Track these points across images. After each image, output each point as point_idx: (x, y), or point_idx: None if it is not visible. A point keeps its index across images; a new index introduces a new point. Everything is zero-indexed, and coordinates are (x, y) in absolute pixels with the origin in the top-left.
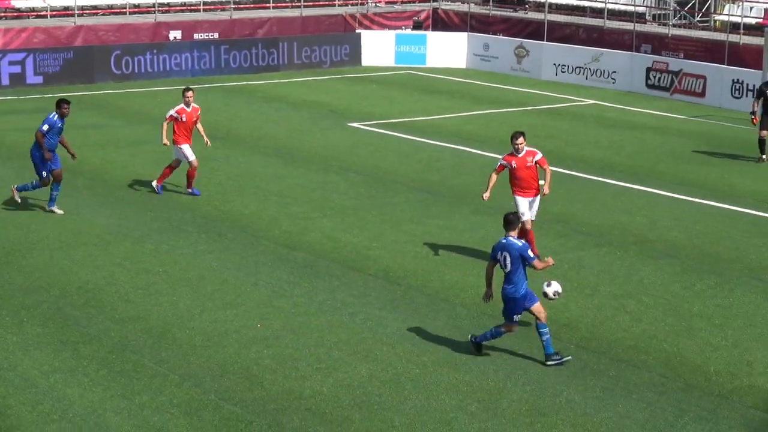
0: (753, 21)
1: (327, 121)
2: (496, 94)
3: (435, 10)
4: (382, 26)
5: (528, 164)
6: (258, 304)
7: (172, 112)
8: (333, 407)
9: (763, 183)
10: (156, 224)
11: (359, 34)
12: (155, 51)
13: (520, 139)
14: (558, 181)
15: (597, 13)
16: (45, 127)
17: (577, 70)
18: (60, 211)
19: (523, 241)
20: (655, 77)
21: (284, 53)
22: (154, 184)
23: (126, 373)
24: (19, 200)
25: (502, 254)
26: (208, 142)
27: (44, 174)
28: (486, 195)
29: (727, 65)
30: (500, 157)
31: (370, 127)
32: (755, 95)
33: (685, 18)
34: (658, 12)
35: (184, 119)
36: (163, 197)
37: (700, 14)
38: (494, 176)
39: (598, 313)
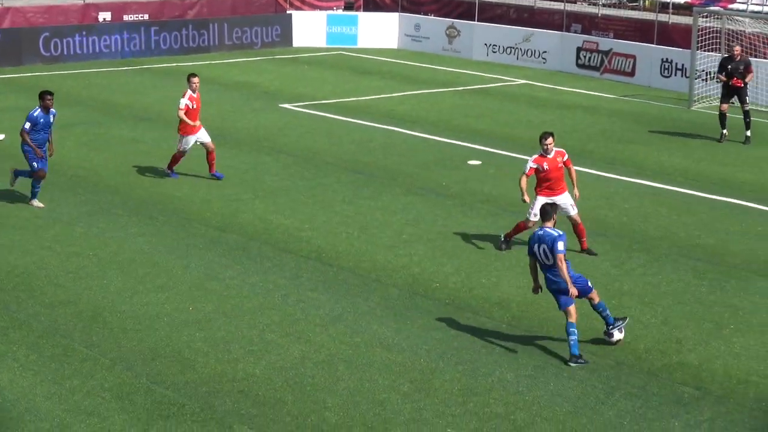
0: (681, 0)
1: (258, 102)
2: (428, 75)
3: None
4: (314, 7)
5: (559, 165)
6: (190, 286)
7: (185, 101)
8: (266, 389)
9: (692, 161)
10: (86, 207)
11: (290, 14)
12: (84, 33)
13: (549, 140)
14: (489, 160)
15: None
16: (27, 125)
17: (508, 50)
18: (40, 204)
19: (561, 231)
20: (585, 57)
21: (215, 34)
22: (167, 171)
23: (56, 358)
24: (42, 205)
25: (539, 247)
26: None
27: (35, 164)
28: (526, 198)
29: (657, 44)
30: (529, 159)
31: (302, 108)
32: (718, 70)
33: None
34: None
35: (195, 106)
36: (91, 180)
37: None
38: (525, 180)
39: (529, 292)
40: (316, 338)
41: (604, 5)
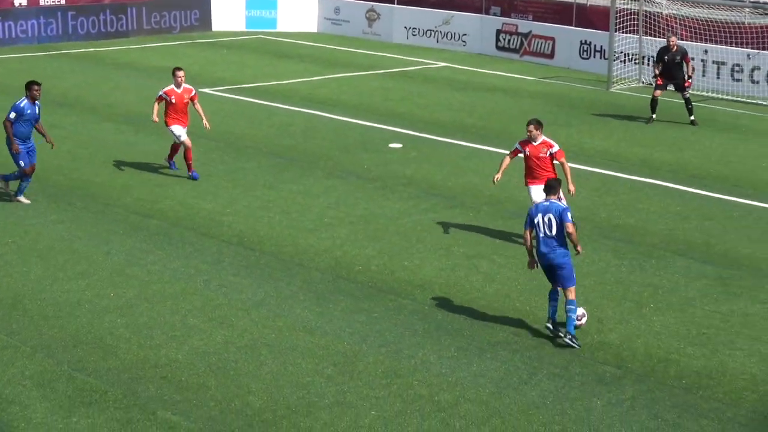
0: None
1: None
2: (348, 58)
3: None
4: None
5: (541, 154)
6: (111, 273)
7: (160, 92)
8: (189, 374)
9: (612, 142)
10: (3, 195)
11: None
12: (0, 18)
13: (531, 127)
14: (410, 143)
15: None
16: (12, 115)
17: (428, 33)
18: (27, 201)
19: (565, 203)
20: (504, 39)
21: (133, 19)
22: (168, 162)
23: None
24: (28, 201)
25: (544, 216)
26: (207, 125)
27: (22, 163)
28: (497, 176)
29: (576, 27)
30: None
31: (222, 93)
32: (655, 59)
33: None
34: None
35: (173, 101)
36: (8, 167)
37: None
38: (507, 159)
39: (452, 274)
40: (238, 323)
41: None
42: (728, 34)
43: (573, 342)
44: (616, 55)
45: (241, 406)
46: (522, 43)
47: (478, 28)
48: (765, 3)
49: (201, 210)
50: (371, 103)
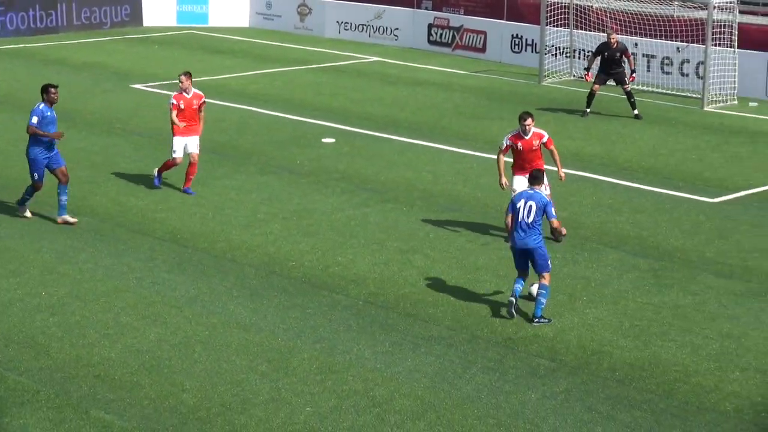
0: None
1: (109, 83)
2: (280, 53)
3: None
4: None
5: (534, 147)
6: (42, 271)
7: (172, 99)
8: (122, 373)
9: None
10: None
11: None
12: None
13: (529, 120)
14: (343, 137)
15: None
16: (34, 120)
17: (360, 27)
18: (73, 220)
19: (549, 196)
20: (436, 33)
21: (63, 15)
22: (154, 172)
23: None
24: (30, 215)
25: (526, 203)
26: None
27: (36, 176)
28: (504, 181)
29: (507, 21)
30: (505, 136)
31: (153, 89)
32: (594, 53)
33: None
34: None
35: (182, 106)
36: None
37: None
38: (502, 158)
39: (385, 269)
40: (172, 320)
41: None
42: (658, 27)
43: (542, 321)
44: (548, 49)
45: (175, 404)
46: (454, 37)
47: (409, 22)
48: None
49: (133, 207)
50: (304, 98)
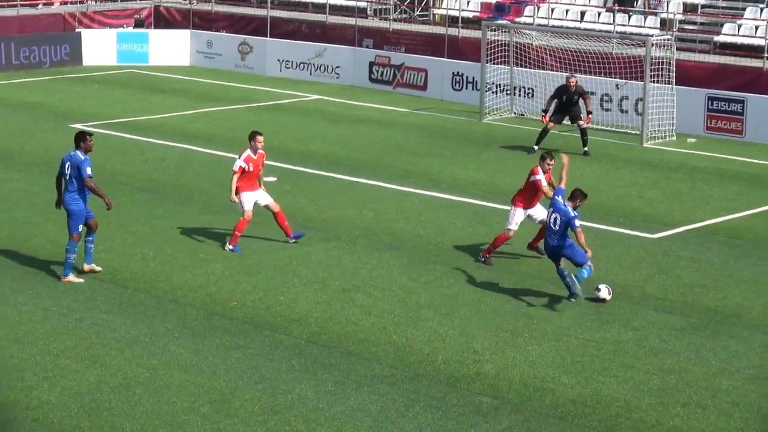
0: (471, 15)
1: (48, 122)
2: (221, 92)
3: (156, 7)
4: (103, 25)
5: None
6: None
7: (240, 162)
8: (61, 416)
9: (484, 173)
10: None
11: (79, 33)
12: None
13: (551, 161)
14: (285, 176)
15: (319, 8)
16: (89, 171)
17: (301, 65)
18: (98, 268)
19: (576, 212)
20: (377, 71)
21: (2, 54)
22: (228, 247)
23: None
24: (82, 279)
25: (553, 214)
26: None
27: (79, 229)
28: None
29: (447, 58)
30: (540, 175)
31: (94, 128)
32: (552, 95)
33: (405, 12)
34: (379, 7)
35: (251, 168)
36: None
37: (420, 8)
38: (549, 191)
39: (328, 308)
40: (112, 362)
41: (395, 20)
42: (597, 65)
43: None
44: (488, 87)
45: None
46: (395, 75)
47: (351, 60)
48: (632, 34)
49: None
50: (245, 137)
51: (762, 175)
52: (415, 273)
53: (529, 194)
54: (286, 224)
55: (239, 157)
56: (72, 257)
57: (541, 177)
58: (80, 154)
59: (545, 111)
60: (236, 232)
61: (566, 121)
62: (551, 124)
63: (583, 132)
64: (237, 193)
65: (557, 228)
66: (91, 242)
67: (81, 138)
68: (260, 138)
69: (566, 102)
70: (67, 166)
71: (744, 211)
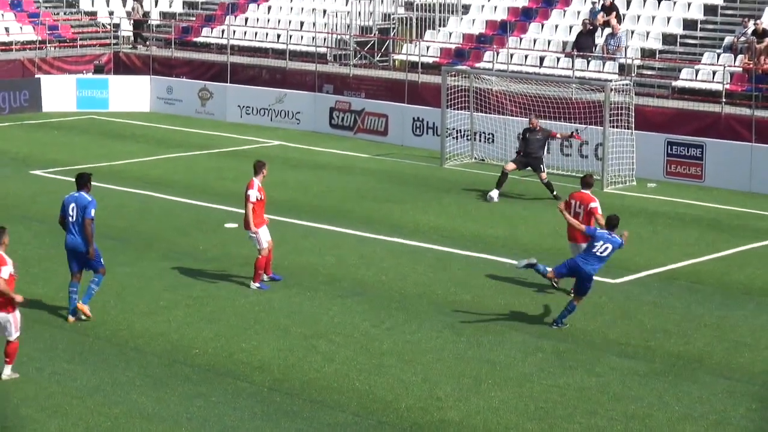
0: (430, 60)
1: (7, 169)
2: (181, 137)
3: (116, 53)
4: (63, 71)
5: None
6: None
7: (255, 193)
8: None
9: (445, 218)
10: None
11: (39, 78)
12: None
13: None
14: None
15: (279, 54)
16: (93, 213)
17: (262, 111)
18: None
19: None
20: (338, 117)
21: None
22: (254, 285)
23: None
24: (91, 315)
25: (604, 245)
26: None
27: (103, 262)
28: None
29: (408, 104)
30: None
31: (54, 175)
32: (521, 137)
33: (365, 58)
34: (339, 53)
35: (262, 197)
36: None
37: (380, 54)
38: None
39: (290, 354)
40: (73, 411)
41: (355, 65)
42: (557, 110)
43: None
44: (449, 132)
45: None
46: (355, 121)
47: (311, 106)
48: (591, 79)
49: (33, 295)
50: (206, 183)
51: (722, 219)
52: (377, 319)
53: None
54: (269, 263)
55: (251, 188)
56: (95, 290)
57: (597, 205)
58: (86, 195)
59: (518, 152)
60: (258, 271)
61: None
62: (511, 166)
63: (547, 185)
64: (255, 227)
65: (604, 255)
66: (98, 285)
67: (87, 179)
68: (267, 166)
69: (530, 142)
70: (71, 207)
71: (705, 256)
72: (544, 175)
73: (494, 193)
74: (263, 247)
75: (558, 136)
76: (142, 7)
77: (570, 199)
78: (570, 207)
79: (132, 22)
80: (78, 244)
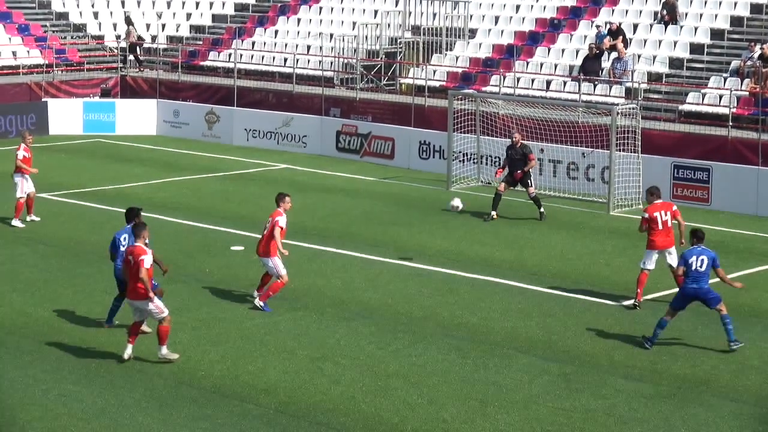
0: (437, 84)
1: (14, 191)
2: (188, 161)
3: (123, 77)
4: (70, 94)
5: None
6: None
7: (283, 224)
8: None
9: (452, 241)
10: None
11: (45, 102)
12: None
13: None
14: (252, 245)
15: (286, 78)
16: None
17: (269, 134)
18: (148, 329)
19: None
20: (345, 140)
21: None
22: (259, 303)
23: None
24: (149, 329)
25: (699, 257)
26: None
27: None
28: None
29: (414, 127)
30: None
31: (60, 197)
32: (506, 155)
33: (372, 82)
34: (346, 76)
35: (284, 227)
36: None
37: (386, 78)
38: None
39: (296, 377)
40: None
41: (362, 89)
42: (563, 133)
43: (738, 344)
44: (455, 155)
45: None
46: (362, 144)
47: (318, 129)
48: (597, 103)
49: (39, 318)
50: (212, 206)
51: (728, 243)
52: (383, 342)
53: (666, 231)
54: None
55: (281, 217)
56: None
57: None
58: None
59: (502, 167)
60: (270, 292)
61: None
62: (502, 186)
63: (534, 200)
64: (269, 255)
65: (704, 269)
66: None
67: (137, 213)
68: (288, 199)
69: (512, 159)
70: (122, 238)
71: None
72: (532, 190)
73: (456, 201)
74: (284, 273)
75: (532, 163)
76: (135, 30)
77: (652, 214)
78: (656, 221)
79: (128, 45)
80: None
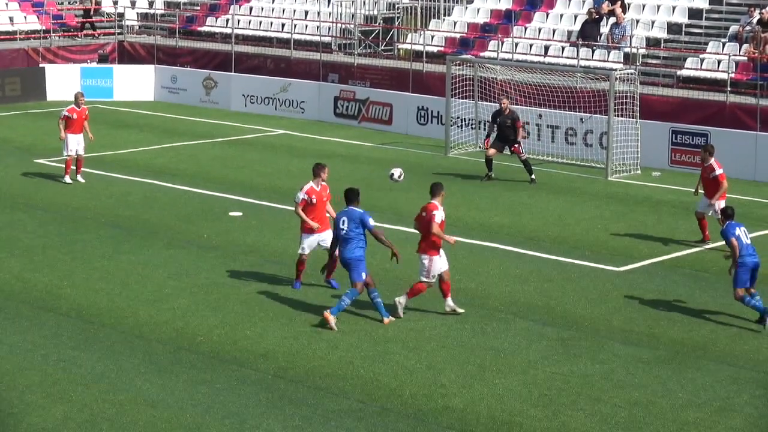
0: (435, 49)
1: (12, 158)
2: (186, 127)
3: (121, 42)
4: (67, 60)
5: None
6: None
7: (302, 195)
8: None
9: (451, 207)
10: None
11: (43, 68)
12: None
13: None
14: (250, 211)
15: (284, 43)
16: (371, 220)
17: (266, 100)
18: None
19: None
20: (342, 106)
21: None
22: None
23: None
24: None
25: (744, 230)
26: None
27: (362, 276)
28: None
29: (412, 93)
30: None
31: (58, 163)
32: (491, 120)
33: (370, 47)
34: (344, 42)
35: (314, 201)
36: None
37: (384, 43)
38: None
39: (294, 342)
40: (78, 398)
41: (359, 55)
42: (561, 99)
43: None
44: (453, 121)
45: None
46: (360, 110)
47: (315, 95)
48: (596, 68)
49: (38, 283)
50: (210, 172)
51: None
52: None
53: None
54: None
55: (301, 190)
56: (346, 303)
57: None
58: (357, 209)
59: (487, 135)
60: (299, 274)
61: (507, 151)
62: (492, 151)
63: (524, 163)
64: (303, 232)
65: (747, 239)
66: (348, 297)
67: (357, 194)
68: (326, 169)
69: (501, 126)
70: (342, 221)
71: (709, 244)
72: (523, 156)
73: (396, 171)
74: (302, 248)
75: (521, 132)
76: None
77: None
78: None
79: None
80: (349, 257)
